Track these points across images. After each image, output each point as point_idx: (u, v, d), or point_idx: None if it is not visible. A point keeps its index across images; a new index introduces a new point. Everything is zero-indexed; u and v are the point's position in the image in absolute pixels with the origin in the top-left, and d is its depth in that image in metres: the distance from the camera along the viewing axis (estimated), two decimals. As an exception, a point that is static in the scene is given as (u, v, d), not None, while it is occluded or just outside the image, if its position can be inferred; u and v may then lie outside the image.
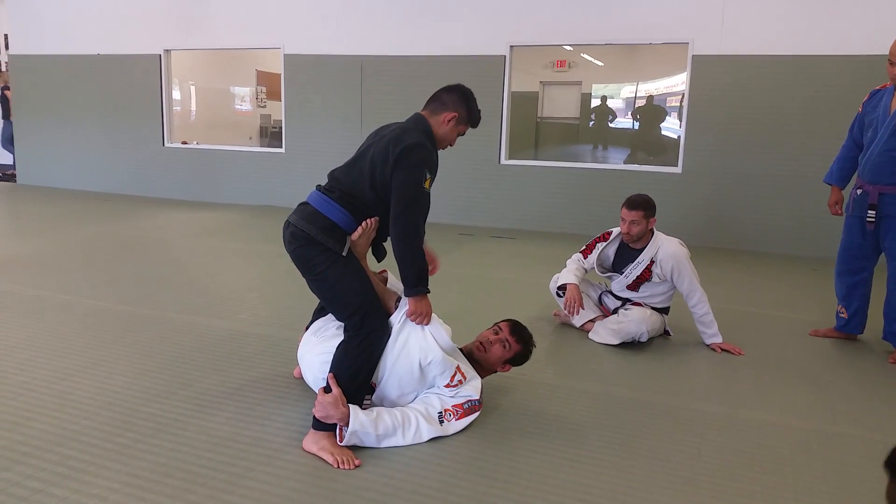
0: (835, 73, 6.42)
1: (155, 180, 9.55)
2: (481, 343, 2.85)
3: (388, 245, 2.78)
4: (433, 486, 2.28)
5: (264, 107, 12.68)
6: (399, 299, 2.75)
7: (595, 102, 13.04)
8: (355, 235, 2.64)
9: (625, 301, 3.98)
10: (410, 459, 2.44)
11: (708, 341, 3.81)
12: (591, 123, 13.01)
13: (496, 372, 2.91)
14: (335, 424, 2.45)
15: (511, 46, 7.57)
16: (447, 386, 2.65)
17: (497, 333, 2.86)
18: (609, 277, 4.05)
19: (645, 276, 3.83)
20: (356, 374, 2.54)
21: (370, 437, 2.48)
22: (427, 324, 2.65)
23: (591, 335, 3.89)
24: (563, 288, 3.94)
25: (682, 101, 7.73)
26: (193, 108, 11.66)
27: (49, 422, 2.61)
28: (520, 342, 2.85)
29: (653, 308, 3.87)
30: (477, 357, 2.83)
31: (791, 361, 3.67)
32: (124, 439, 2.51)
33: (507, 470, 2.40)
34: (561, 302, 4.00)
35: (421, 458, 2.46)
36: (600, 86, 13.25)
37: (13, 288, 4.48)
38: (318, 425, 2.47)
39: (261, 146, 11.42)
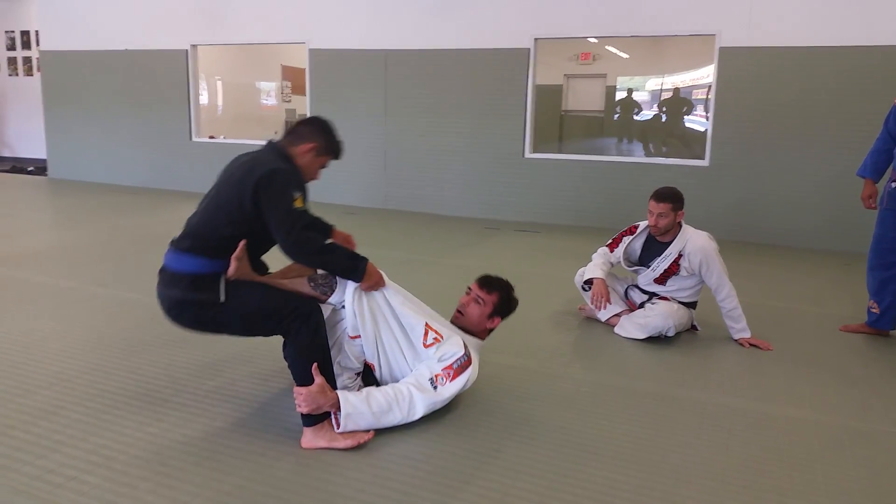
0: (867, 65, 6.30)
1: (182, 174, 9.65)
2: (458, 310, 2.85)
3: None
4: (457, 478, 2.28)
5: (289, 101, 12.76)
6: (314, 279, 2.66)
7: (620, 95, 12.94)
8: (231, 274, 2.51)
9: (651, 295, 3.95)
10: (433, 451, 2.45)
11: (736, 336, 3.76)
12: (616, 116, 12.90)
13: (489, 330, 2.90)
14: (326, 414, 2.44)
15: (535, 39, 7.53)
16: (427, 346, 2.62)
17: (469, 294, 2.86)
18: (636, 271, 4.02)
19: (672, 270, 3.79)
20: (325, 361, 2.51)
21: (366, 417, 2.45)
22: (384, 285, 2.61)
23: (616, 329, 3.87)
24: (589, 282, 3.92)
25: (708, 94, 7.64)
26: (220, 102, 11.76)
27: (82, 411, 2.66)
28: (493, 292, 2.84)
29: (680, 302, 3.84)
30: (460, 324, 2.83)
31: (821, 357, 3.62)
32: (154, 429, 2.55)
33: (530, 463, 2.40)
34: (587, 296, 3.99)
35: (444, 449, 2.47)
36: (625, 78, 13.14)
37: (45, 280, 4.56)
38: (311, 420, 2.45)
39: (286, 140, 11.46)
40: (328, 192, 8.61)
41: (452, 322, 2.86)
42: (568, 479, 2.31)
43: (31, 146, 12.78)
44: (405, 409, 2.52)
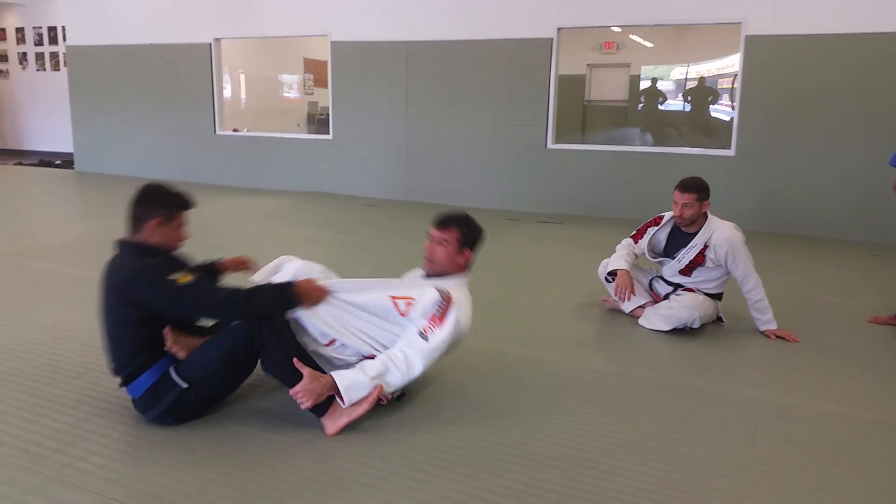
0: (897, 51, 6.17)
1: (206, 167, 9.73)
2: (426, 259, 2.78)
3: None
4: (483, 469, 2.28)
5: (311, 94, 12.80)
6: None
7: (644, 85, 12.80)
8: (180, 354, 2.49)
9: (676, 286, 3.91)
10: (456, 442, 2.45)
11: (762, 328, 3.72)
12: (641, 106, 12.77)
13: (467, 265, 2.83)
14: (332, 397, 2.46)
15: (558, 29, 7.47)
16: (405, 315, 2.59)
17: (429, 240, 2.78)
18: (660, 262, 3.98)
19: (698, 261, 3.75)
20: (300, 352, 2.52)
21: (365, 383, 2.44)
22: (327, 294, 2.58)
23: (641, 321, 3.84)
24: (612, 273, 3.89)
25: (734, 83, 7.53)
26: (243, 96, 11.83)
27: (110, 400, 2.69)
28: (450, 227, 2.77)
29: (705, 294, 3.79)
30: (434, 272, 2.77)
31: (849, 349, 3.56)
32: (181, 419, 2.58)
33: (554, 454, 2.39)
34: (610, 288, 3.96)
35: (468, 441, 2.47)
36: (649, 67, 12.99)
37: (73, 271, 4.63)
38: (321, 409, 2.47)
39: (308, 133, 11.54)
40: (350, 186, 8.64)
41: (427, 274, 2.81)
42: (593, 471, 2.30)
43: (59, 140, 12.95)
44: (403, 367, 2.49)
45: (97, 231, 6.05)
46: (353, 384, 2.44)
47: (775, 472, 2.33)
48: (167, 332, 2.49)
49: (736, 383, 3.10)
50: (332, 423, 2.47)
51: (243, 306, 2.44)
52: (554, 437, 2.52)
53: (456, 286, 2.74)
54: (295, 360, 2.45)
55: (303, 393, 2.40)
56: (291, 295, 2.49)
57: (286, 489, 2.14)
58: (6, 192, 8.91)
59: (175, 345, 2.49)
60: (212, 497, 2.09)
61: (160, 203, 2.58)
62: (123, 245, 2.57)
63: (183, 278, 2.43)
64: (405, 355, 2.51)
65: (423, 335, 2.54)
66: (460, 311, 2.63)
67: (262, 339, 2.45)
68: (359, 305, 2.61)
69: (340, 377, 2.44)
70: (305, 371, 2.43)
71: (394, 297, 2.62)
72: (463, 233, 2.78)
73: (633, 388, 3.00)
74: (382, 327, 2.62)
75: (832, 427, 2.68)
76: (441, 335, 2.55)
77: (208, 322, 2.75)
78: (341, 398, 2.44)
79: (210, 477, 2.19)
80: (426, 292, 2.62)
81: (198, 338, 2.59)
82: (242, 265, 2.95)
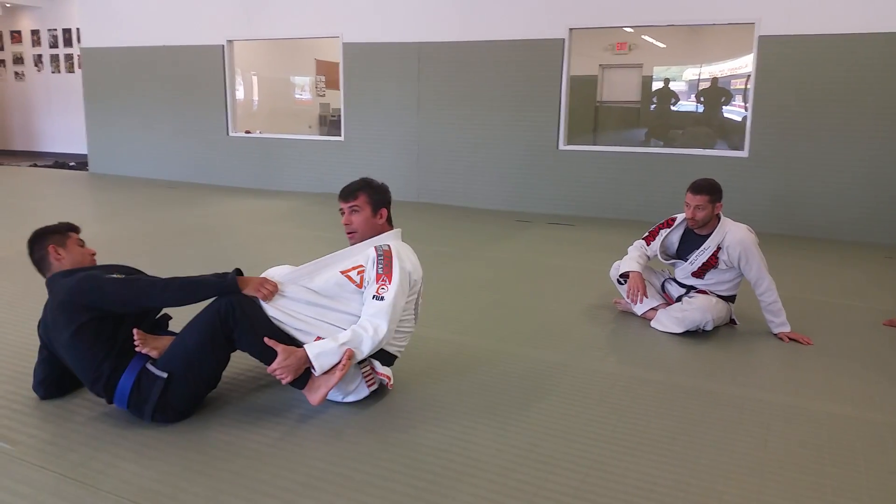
0: (914, 51, 6.11)
1: (219, 168, 9.79)
2: (347, 233, 2.82)
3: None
4: (492, 471, 2.28)
5: (323, 95, 12.83)
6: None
7: (657, 85, 12.74)
8: (153, 353, 2.54)
9: (689, 289, 3.89)
10: (467, 444, 2.46)
11: (775, 330, 3.69)
12: (653, 107, 12.72)
13: (388, 221, 2.87)
14: (308, 371, 2.54)
15: (570, 29, 7.45)
16: (360, 287, 2.65)
17: (343, 214, 2.82)
18: (673, 264, 3.97)
19: (711, 263, 3.74)
20: (271, 329, 2.56)
21: (333, 350, 2.51)
22: (273, 288, 2.63)
23: (653, 323, 3.83)
24: (624, 275, 3.88)
25: (746, 83, 7.49)
26: (255, 97, 11.88)
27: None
28: (357, 195, 2.80)
29: (718, 296, 3.77)
30: (363, 240, 2.80)
31: (863, 352, 3.53)
32: (192, 420, 2.59)
33: (566, 457, 2.39)
34: (623, 290, 3.95)
35: (478, 443, 2.47)
36: (662, 68, 12.94)
37: (88, 273, 4.66)
38: (301, 382, 2.55)
39: (320, 134, 11.57)
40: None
41: (353, 245, 2.83)
42: (603, 473, 2.29)
43: (73, 142, 13.07)
44: (369, 331, 2.55)
45: (111, 232, 6.09)
46: (323, 352, 2.51)
47: (788, 476, 2.31)
48: (137, 333, 2.53)
49: (749, 386, 3.08)
50: (313, 395, 2.56)
51: (182, 285, 2.53)
52: (564, 439, 2.52)
53: (392, 238, 2.81)
54: (266, 339, 2.50)
55: (280, 370, 2.48)
56: (231, 281, 2.57)
57: (298, 489, 2.15)
58: (21, 194, 9.00)
59: (145, 345, 2.53)
60: (223, 497, 2.10)
61: (46, 233, 2.68)
62: (50, 280, 2.63)
63: (115, 276, 2.55)
64: (368, 320, 2.58)
65: (377, 297, 2.60)
66: (403, 260, 2.69)
67: (233, 319, 2.50)
68: (316, 288, 2.67)
69: (311, 347, 2.52)
70: (279, 348, 2.49)
71: (345, 272, 2.68)
72: (370, 194, 2.82)
73: (644, 391, 2.99)
74: (349, 304, 2.67)
75: (846, 431, 2.66)
76: (393, 289, 2.60)
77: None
78: (313, 367, 2.51)
79: (222, 477, 2.21)
80: (368, 254, 2.70)
81: (167, 338, 2.63)
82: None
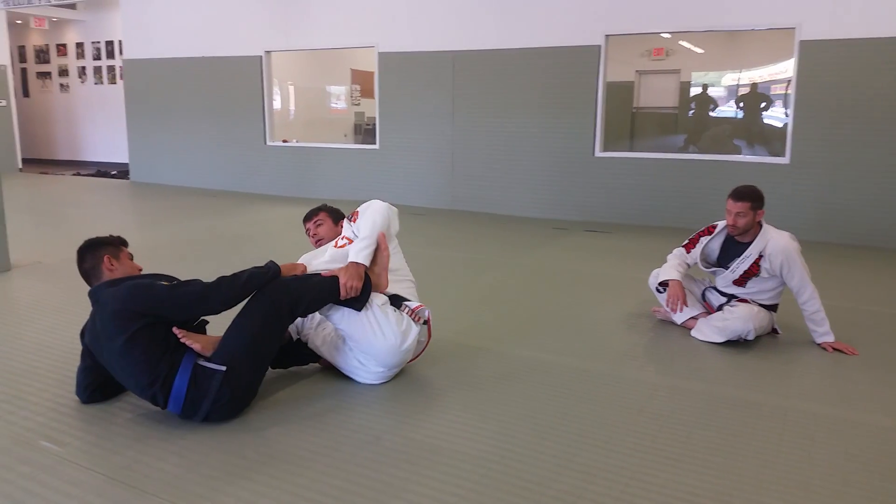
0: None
1: (256, 177, 9.93)
2: (315, 243, 3.38)
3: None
4: (531, 479, 2.27)
5: (358, 104, 12.94)
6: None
7: (695, 91, 12.59)
8: (196, 346, 2.60)
9: (730, 297, 3.83)
10: (506, 453, 2.45)
11: (819, 340, 3.61)
12: (691, 113, 12.56)
13: (350, 225, 3.17)
14: (367, 295, 2.85)
15: (606, 36, 7.41)
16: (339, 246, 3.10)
17: (308, 232, 3.45)
18: (713, 273, 3.91)
19: (752, 271, 3.67)
20: (306, 279, 2.82)
21: (363, 241, 2.92)
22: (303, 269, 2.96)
23: (693, 332, 3.77)
24: (664, 284, 3.83)
25: (787, 89, 7.37)
26: (292, 107, 12.03)
27: (166, 405, 2.75)
28: (319, 213, 3.45)
29: (760, 305, 3.71)
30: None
31: (912, 363, 3.44)
32: (233, 425, 2.63)
33: (605, 467, 2.37)
34: (662, 298, 3.90)
35: (517, 451, 2.46)
36: (700, 74, 12.78)
37: (130, 279, 4.75)
38: (366, 292, 2.85)
39: (355, 143, 11.67)
40: (395, 195, 8.70)
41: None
42: (643, 484, 2.26)
43: (115, 151, 13.37)
44: (368, 211, 3.05)
45: (152, 239, 6.22)
46: (357, 248, 2.90)
47: (833, 490, 2.26)
48: (177, 329, 2.59)
49: (792, 397, 3.02)
50: (380, 282, 2.95)
51: (231, 282, 2.64)
52: (604, 449, 2.49)
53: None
54: (322, 273, 2.84)
55: (348, 282, 2.78)
56: (275, 268, 2.77)
57: (336, 494, 2.16)
58: (65, 202, 9.23)
59: (188, 338, 2.59)
60: (264, 501, 2.12)
61: (101, 244, 2.78)
62: (97, 289, 2.67)
63: (165, 283, 2.63)
64: (363, 220, 3.02)
65: (355, 216, 3.09)
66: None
67: (284, 289, 2.71)
68: (331, 258, 3.05)
69: (350, 255, 2.90)
70: (334, 272, 2.82)
71: (335, 245, 3.13)
72: (329, 211, 3.47)
73: (685, 401, 2.94)
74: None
75: (893, 443, 2.58)
76: (361, 207, 3.10)
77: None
78: (360, 261, 2.86)
79: (262, 481, 2.23)
80: (343, 230, 3.20)
81: (209, 336, 2.71)
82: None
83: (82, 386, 2.77)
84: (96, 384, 2.77)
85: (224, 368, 2.55)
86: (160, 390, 2.53)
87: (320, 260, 3.06)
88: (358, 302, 2.82)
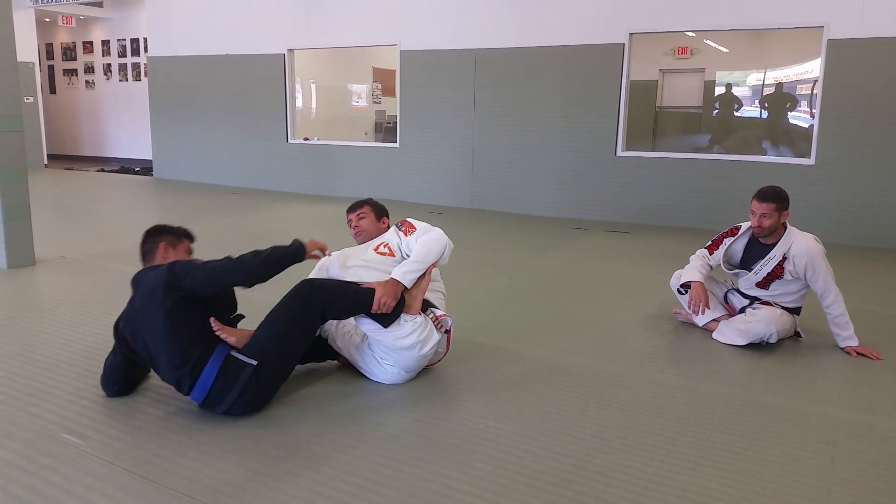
0: None
1: (278, 175, 9.99)
2: (356, 236, 3.35)
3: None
4: (549, 480, 2.26)
5: (379, 103, 12.97)
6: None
7: (719, 90, 12.45)
8: (230, 339, 2.64)
9: (753, 300, 3.78)
10: (524, 454, 2.44)
11: (843, 344, 3.56)
12: (715, 112, 12.42)
13: (388, 226, 3.35)
14: (399, 311, 2.86)
15: (630, 34, 7.36)
16: (392, 255, 3.12)
17: (350, 223, 3.38)
18: (736, 274, 3.86)
19: (776, 274, 3.63)
20: (345, 286, 2.85)
21: (414, 263, 2.94)
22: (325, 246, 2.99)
23: (715, 335, 3.73)
24: (685, 285, 3.79)
25: (813, 89, 7.26)
26: (314, 105, 12.09)
27: (183, 399, 2.76)
28: (363, 206, 3.40)
29: (783, 307, 3.66)
30: (367, 240, 3.30)
31: (940, 369, 3.37)
32: (253, 422, 2.64)
33: (624, 469, 2.35)
34: (683, 300, 3.86)
35: (535, 453, 2.45)
36: (725, 73, 12.63)
37: (153, 274, 4.80)
38: (398, 309, 2.85)
39: (376, 141, 11.69)
40: (415, 193, 8.71)
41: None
42: (662, 486, 2.24)
43: (138, 147, 13.53)
44: (429, 236, 3.06)
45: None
46: (407, 270, 2.92)
47: (856, 496, 2.22)
48: (213, 321, 2.62)
49: (814, 401, 2.98)
50: (413, 306, 2.90)
51: (255, 255, 2.69)
52: (623, 451, 2.47)
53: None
54: (361, 285, 2.84)
55: (383, 298, 2.78)
56: (299, 245, 2.84)
57: (354, 492, 2.17)
58: (89, 198, 9.35)
59: (223, 331, 2.62)
60: (282, 497, 2.13)
61: (164, 231, 2.91)
62: (140, 273, 2.75)
63: (199, 261, 2.71)
64: (418, 241, 3.05)
65: (410, 233, 3.12)
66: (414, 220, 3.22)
67: (317, 291, 2.76)
68: (369, 261, 3.08)
69: (394, 272, 2.92)
70: (372, 286, 2.83)
71: (376, 250, 3.15)
72: (373, 206, 3.43)
73: (705, 404, 2.91)
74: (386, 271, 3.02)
75: (921, 451, 2.54)
76: (419, 225, 3.15)
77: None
78: (403, 284, 2.88)
79: (280, 478, 2.24)
80: (387, 234, 3.26)
81: (244, 330, 2.73)
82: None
83: (111, 381, 2.80)
84: (124, 380, 2.81)
85: (255, 363, 2.58)
86: (188, 374, 2.55)
87: (357, 259, 3.08)
88: (387, 318, 2.82)
